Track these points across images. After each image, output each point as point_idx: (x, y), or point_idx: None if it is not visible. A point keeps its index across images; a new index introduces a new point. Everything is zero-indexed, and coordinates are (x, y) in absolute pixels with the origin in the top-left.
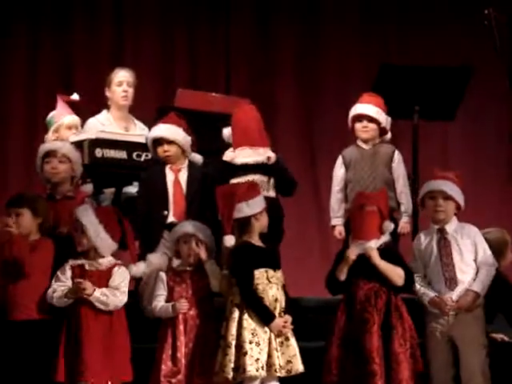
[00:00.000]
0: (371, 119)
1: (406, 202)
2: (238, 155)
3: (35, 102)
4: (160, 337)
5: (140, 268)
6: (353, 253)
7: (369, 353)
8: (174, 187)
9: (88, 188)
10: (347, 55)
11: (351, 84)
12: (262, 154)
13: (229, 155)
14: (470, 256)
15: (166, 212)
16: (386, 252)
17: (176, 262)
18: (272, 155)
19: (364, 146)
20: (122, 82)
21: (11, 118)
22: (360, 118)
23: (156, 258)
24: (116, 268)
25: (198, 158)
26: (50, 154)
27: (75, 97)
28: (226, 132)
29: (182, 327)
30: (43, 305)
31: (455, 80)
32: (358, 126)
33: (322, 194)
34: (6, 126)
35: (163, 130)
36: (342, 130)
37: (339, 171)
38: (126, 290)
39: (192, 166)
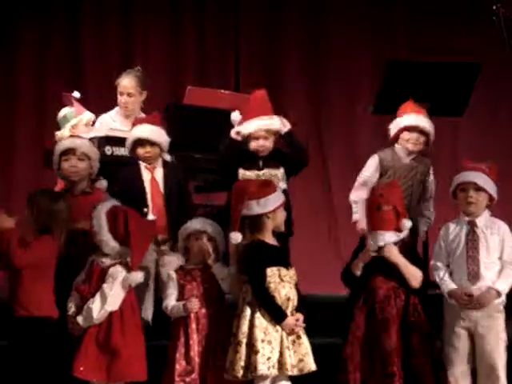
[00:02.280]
0: (423, 132)
1: (429, 213)
2: (250, 124)
3: (43, 96)
4: (173, 335)
5: (137, 277)
6: (373, 247)
7: (388, 354)
8: (151, 185)
9: (103, 184)
10: (355, 49)
11: (359, 76)
12: (276, 121)
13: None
14: (495, 253)
15: (145, 209)
16: (405, 249)
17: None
18: (287, 125)
19: (404, 156)
20: (122, 93)
21: (19, 111)
22: (410, 129)
23: (171, 258)
24: (111, 269)
25: (167, 157)
26: (69, 151)
27: (76, 95)
28: (234, 117)
29: (194, 325)
30: (48, 302)
31: (464, 76)
32: (406, 136)
33: (332, 188)
34: (13, 120)
35: (149, 131)
36: (350, 123)
37: (374, 173)
38: (116, 295)
39: (165, 163)
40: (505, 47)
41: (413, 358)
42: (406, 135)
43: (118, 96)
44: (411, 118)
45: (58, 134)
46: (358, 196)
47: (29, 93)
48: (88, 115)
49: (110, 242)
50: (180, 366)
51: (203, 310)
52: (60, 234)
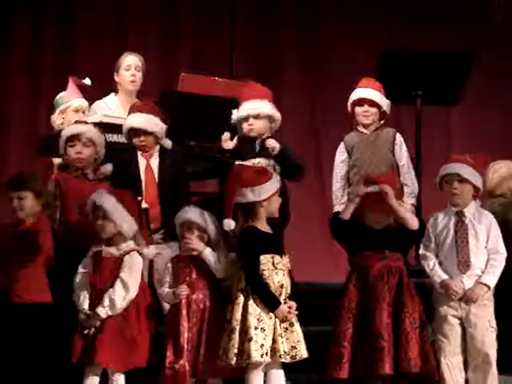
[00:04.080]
0: (372, 103)
1: (410, 184)
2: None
3: (38, 84)
4: (166, 323)
5: (151, 250)
6: (362, 190)
7: (378, 329)
8: (146, 173)
9: (108, 168)
10: (351, 38)
11: (355, 67)
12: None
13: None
14: (483, 242)
15: (139, 198)
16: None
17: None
18: (276, 146)
19: (365, 130)
20: (130, 66)
21: (14, 101)
22: (360, 102)
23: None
24: (127, 256)
25: (168, 143)
26: (74, 137)
27: (87, 82)
28: (234, 116)
29: (184, 312)
30: (45, 288)
31: (457, 65)
32: (358, 110)
33: (325, 178)
34: (8, 109)
35: (142, 120)
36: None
37: (341, 157)
38: (134, 283)
39: (163, 151)
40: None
41: (402, 337)
42: (357, 109)
43: (123, 72)
44: (358, 92)
45: (51, 117)
46: (336, 187)
47: (23, 91)
48: (78, 102)
49: (131, 225)
50: (170, 353)
51: (194, 296)
52: (55, 219)
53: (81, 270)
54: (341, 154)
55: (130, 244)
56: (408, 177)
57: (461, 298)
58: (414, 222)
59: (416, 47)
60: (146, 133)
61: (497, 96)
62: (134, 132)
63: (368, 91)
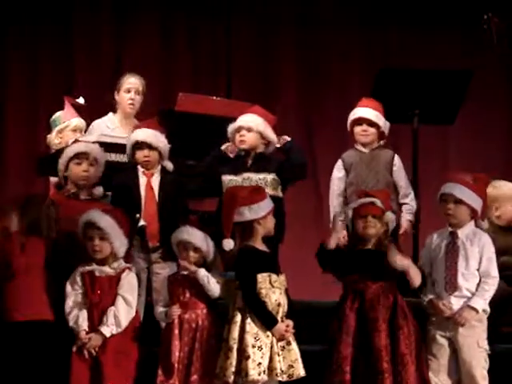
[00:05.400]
0: (371, 123)
1: (409, 202)
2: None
3: (36, 101)
4: (160, 341)
5: None
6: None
7: (378, 351)
8: (146, 191)
9: (99, 190)
10: (348, 54)
11: (352, 85)
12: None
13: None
14: (474, 264)
15: (138, 215)
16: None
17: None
18: (287, 138)
19: (363, 149)
20: (130, 89)
21: (11, 118)
22: (360, 121)
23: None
24: (125, 273)
25: (169, 165)
26: (82, 155)
27: (81, 101)
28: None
29: (176, 331)
30: (42, 306)
31: (455, 83)
32: (357, 129)
33: (322, 195)
34: (5, 126)
35: (148, 134)
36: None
37: (339, 174)
38: (134, 300)
39: (164, 171)
40: (495, 52)
41: (398, 360)
42: (356, 128)
43: (123, 94)
44: (357, 111)
45: (48, 137)
46: (334, 204)
47: (21, 97)
48: (76, 121)
49: (126, 246)
50: (161, 371)
51: (187, 316)
52: (48, 237)
53: (71, 290)
54: (338, 171)
55: (122, 262)
56: (408, 196)
57: (449, 318)
58: (418, 279)
59: (415, 48)
60: (150, 147)
61: (494, 116)
62: (139, 146)
63: (367, 111)
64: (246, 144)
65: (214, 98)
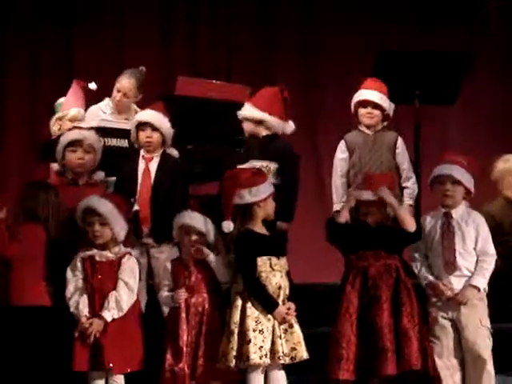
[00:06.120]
0: (376, 105)
1: (411, 186)
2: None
3: (37, 88)
4: (165, 325)
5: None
6: (359, 195)
7: (380, 329)
8: (143, 176)
9: (100, 175)
10: (348, 38)
11: (351, 67)
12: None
13: None
14: (471, 243)
15: (132, 199)
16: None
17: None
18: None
19: (367, 131)
20: (119, 91)
21: (11, 107)
22: (364, 103)
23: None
24: (125, 258)
25: (174, 153)
26: (76, 143)
27: (93, 86)
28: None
29: (183, 315)
30: (39, 292)
31: (455, 65)
32: (362, 111)
33: (324, 176)
34: (5, 115)
35: (151, 115)
36: (342, 113)
37: (342, 155)
38: (135, 284)
39: (164, 156)
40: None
41: (401, 335)
42: (360, 110)
43: (114, 91)
44: (362, 93)
45: (50, 122)
46: (336, 185)
47: (22, 95)
48: (74, 111)
49: (125, 230)
50: (169, 355)
51: (193, 300)
52: (47, 222)
53: (72, 276)
54: (342, 152)
55: (122, 247)
56: (409, 179)
57: (450, 299)
58: (411, 224)
59: (415, 46)
60: (153, 128)
61: (495, 96)
62: (142, 127)
63: (373, 93)
64: (248, 132)
65: (213, 81)
